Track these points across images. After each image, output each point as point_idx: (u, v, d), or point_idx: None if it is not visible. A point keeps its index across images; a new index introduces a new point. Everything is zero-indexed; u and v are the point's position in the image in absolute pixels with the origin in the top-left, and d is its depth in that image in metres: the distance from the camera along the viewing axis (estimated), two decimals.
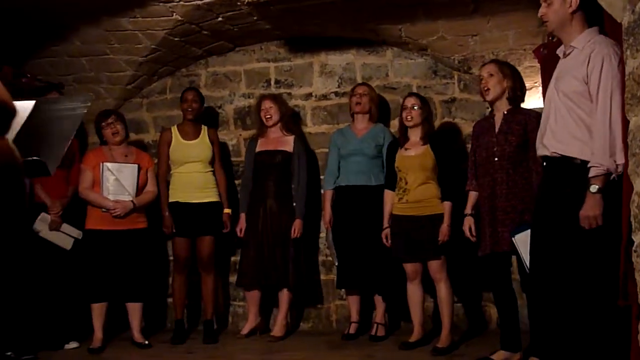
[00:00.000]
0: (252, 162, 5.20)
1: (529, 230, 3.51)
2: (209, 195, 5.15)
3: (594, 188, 2.96)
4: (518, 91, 4.10)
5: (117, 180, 4.85)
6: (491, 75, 4.07)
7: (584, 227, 3.00)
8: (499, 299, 4.15)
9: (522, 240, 3.69)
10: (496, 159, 4.01)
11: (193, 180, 5.13)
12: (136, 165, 4.94)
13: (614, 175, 2.93)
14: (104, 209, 4.80)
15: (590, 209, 2.98)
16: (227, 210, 5.22)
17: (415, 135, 4.64)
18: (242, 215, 5.17)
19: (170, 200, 5.14)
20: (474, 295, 5.24)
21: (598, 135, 2.95)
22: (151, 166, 5.10)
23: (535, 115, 3.98)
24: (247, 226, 5.11)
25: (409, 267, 4.60)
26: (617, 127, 2.90)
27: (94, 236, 4.80)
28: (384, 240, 4.68)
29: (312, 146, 5.57)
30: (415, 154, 4.60)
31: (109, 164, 4.86)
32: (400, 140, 4.74)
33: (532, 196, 3.85)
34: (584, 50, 3.06)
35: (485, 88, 4.09)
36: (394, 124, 5.27)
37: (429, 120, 4.66)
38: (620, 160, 2.90)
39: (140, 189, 4.96)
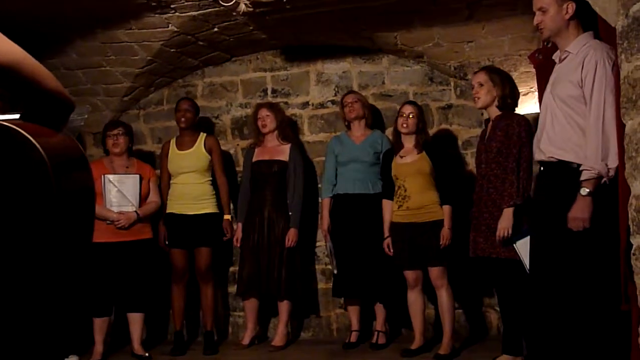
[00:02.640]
0: (249, 171, 5.20)
1: (529, 237, 3.52)
2: (205, 207, 5.14)
3: (584, 191, 2.99)
4: (508, 99, 4.11)
5: (119, 192, 4.85)
6: (481, 85, 4.13)
7: (571, 229, 3.02)
8: (503, 303, 4.16)
9: (524, 246, 3.69)
10: (483, 165, 4.07)
11: (188, 191, 5.12)
12: (138, 176, 4.94)
13: (605, 179, 2.95)
14: (108, 221, 4.79)
15: (579, 211, 3.01)
16: (227, 217, 5.21)
17: (409, 142, 4.66)
18: (239, 225, 5.17)
19: (167, 211, 5.14)
20: (475, 302, 5.23)
21: (591, 138, 2.98)
22: (153, 176, 5.10)
23: (518, 120, 4.01)
24: (244, 236, 5.10)
25: (410, 275, 4.59)
26: (610, 131, 2.91)
27: (99, 249, 4.75)
28: (386, 250, 4.68)
29: (309, 155, 5.57)
30: (411, 161, 4.62)
31: (110, 176, 4.86)
32: (395, 147, 4.76)
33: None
34: (579, 55, 3.08)
35: (477, 96, 4.15)
36: (391, 131, 5.27)
37: (424, 129, 4.69)
38: (613, 163, 2.91)
39: (143, 199, 4.96)
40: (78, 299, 1.49)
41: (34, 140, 1.29)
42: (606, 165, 2.94)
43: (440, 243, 4.45)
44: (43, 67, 1.45)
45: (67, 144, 1.44)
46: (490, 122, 4.13)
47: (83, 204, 1.43)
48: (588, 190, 2.98)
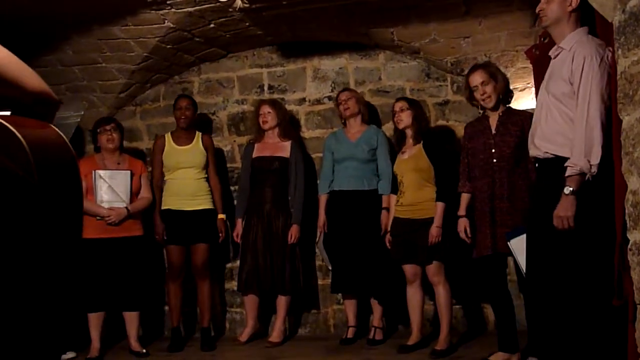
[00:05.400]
0: (248, 167, 5.20)
1: (524, 235, 3.52)
2: (203, 203, 5.14)
3: (567, 190, 2.99)
4: (509, 91, 4.15)
5: (110, 188, 4.84)
6: (484, 82, 4.08)
7: (556, 227, 3.03)
8: (495, 301, 4.16)
9: (518, 245, 3.69)
10: (495, 160, 4.03)
11: (186, 186, 5.12)
12: (129, 172, 4.93)
13: (588, 175, 2.95)
14: (98, 217, 4.77)
15: (563, 210, 3.01)
16: (221, 216, 5.20)
17: (409, 137, 4.67)
18: (239, 221, 5.17)
19: (163, 207, 5.14)
20: (472, 297, 5.24)
21: (576, 135, 2.98)
22: (144, 172, 5.09)
23: (529, 116, 4.00)
24: (244, 232, 5.10)
25: (408, 270, 4.60)
26: (594, 127, 2.92)
27: (90, 245, 4.74)
28: (387, 245, 4.69)
29: (307, 151, 5.57)
30: (409, 157, 4.62)
31: (101, 172, 4.84)
32: (396, 145, 4.77)
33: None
34: (570, 51, 3.09)
35: (486, 96, 4.07)
36: (388, 127, 5.28)
37: (419, 120, 4.66)
38: (595, 160, 2.92)
39: (134, 195, 4.95)
40: (71, 294, 1.48)
41: (14, 129, 1.29)
42: (588, 161, 2.94)
43: (429, 241, 4.44)
44: (26, 67, 1.45)
45: (52, 137, 1.44)
46: (496, 116, 4.09)
47: (68, 196, 1.42)
48: (571, 188, 2.98)
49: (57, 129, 1.46)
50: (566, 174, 2.99)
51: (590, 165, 2.93)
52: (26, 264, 1.31)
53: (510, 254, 3.90)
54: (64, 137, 1.46)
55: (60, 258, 1.41)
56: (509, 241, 3.79)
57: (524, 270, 3.58)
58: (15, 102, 1.42)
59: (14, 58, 1.42)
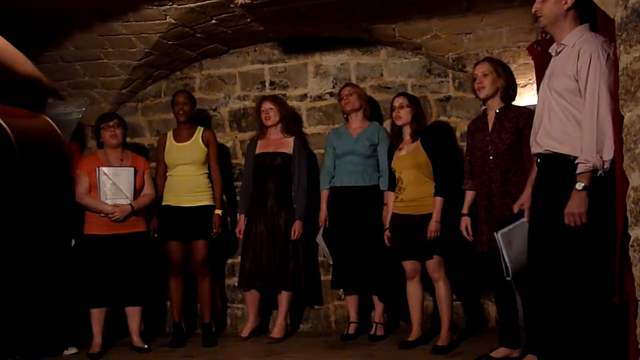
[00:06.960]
0: (251, 163, 5.20)
1: (513, 225, 3.55)
2: (201, 199, 5.14)
3: (579, 185, 2.98)
4: (511, 90, 4.13)
5: (114, 184, 4.84)
6: (485, 74, 4.09)
7: (568, 224, 3.01)
8: (498, 296, 4.17)
9: (505, 237, 3.68)
10: (491, 157, 4.03)
11: (185, 183, 5.12)
12: (132, 169, 4.93)
13: (600, 172, 2.95)
14: (102, 214, 4.79)
15: (575, 207, 3.00)
16: (217, 212, 5.17)
17: (406, 134, 4.67)
18: (242, 217, 5.18)
19: (163, 203, 5.15)
20: (473, 293, 5.24)
21: (586, 131, 2.97)
22: (147, 169, 5.10)
23: (526, 112, 4.00)
24: (247, 227, 5.11)
25: (407, 266, 4.60)
26: (605, 123, 2.91)
27: (94, 241, 4.77)
28: (386, 242, 4.69)
29: (309, 147, 5.57)
30: (407, 153, 4.62)
31: (105, 169, 4.85)
32: (394, 141, 4.77)
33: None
34: (574, 48, 3.08)
35: (480, 86, 4.10)
36: (389, 123, 5.28)
37: (418, 118, 4.67)
38: (608, 156, 2.91)
39: (137, 192, 4.95)
40: (69, 288, 1.49)
41: None
42: (601, 157, 2.94)
43: (427, 236, 4.44)
44: (19, 52, 1.45)
45: (40, 125, 1.44)
46: (493, 114, 4.10)
47: (56, 183, 1.43)
48: (583, 184, 2.97)
49: (47, 118, 1.46)
50: (578, 171, 2.98)
51: (603, 162, 2.93)
52: (12, 250, 1.32)
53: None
54: (54, 124, 1.46)
55: (47, 244, 1.41)
56: (496, 232, 3.75)
57: (508, 264, 3.60)
58: (5, 86, 1.41)
59: (6, 43, 1.42)
